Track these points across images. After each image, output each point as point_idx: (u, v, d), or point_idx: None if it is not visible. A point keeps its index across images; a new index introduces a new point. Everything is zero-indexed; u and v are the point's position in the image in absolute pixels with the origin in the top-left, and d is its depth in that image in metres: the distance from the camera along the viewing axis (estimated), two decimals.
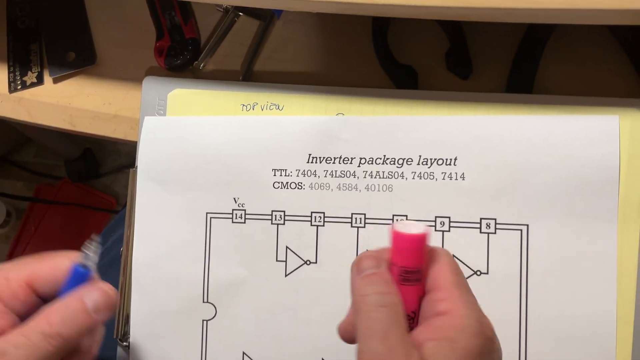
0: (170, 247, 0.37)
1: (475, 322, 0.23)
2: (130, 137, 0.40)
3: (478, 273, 0.33)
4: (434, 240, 0.33)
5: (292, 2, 0.29)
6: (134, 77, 0.40)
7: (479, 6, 0.27)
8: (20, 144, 1.14)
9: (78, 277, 0.26)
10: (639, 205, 0.31)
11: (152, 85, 0.37)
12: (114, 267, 0.48)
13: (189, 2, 0.40)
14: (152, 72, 0.39)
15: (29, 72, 0.43)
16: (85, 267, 0.26)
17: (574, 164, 0.31)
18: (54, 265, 0.26)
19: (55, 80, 0.42)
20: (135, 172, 0.37)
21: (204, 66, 0.40)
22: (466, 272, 0.33)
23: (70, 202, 1.05)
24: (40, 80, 0.43)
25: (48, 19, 0.44)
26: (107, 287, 0.26)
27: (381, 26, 0.37)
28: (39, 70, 0.43)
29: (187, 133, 0.37)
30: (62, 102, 0.41)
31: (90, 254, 0.26)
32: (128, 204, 0.38)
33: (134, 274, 0.38)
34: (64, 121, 0.41)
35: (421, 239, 0.24)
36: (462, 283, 0.24)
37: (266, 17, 0.39)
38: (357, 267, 0.25)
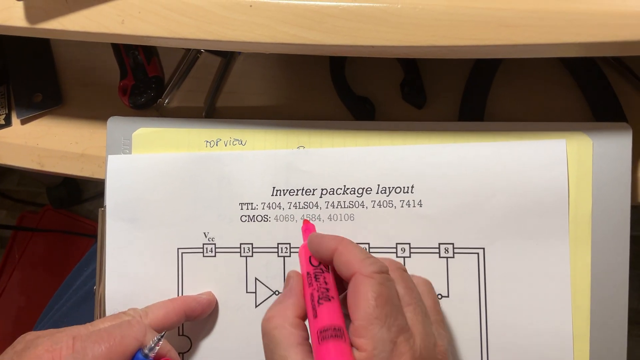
0: (143, 283, 0.38)
1: None
2: (97, 175, 0.40)
3: (439, 296, 0.34)
4: None
5: (245, 45, 0.30)
6: (99, 116, 0.41)
7: (421, 45, 0.28)
8: (2, 173, 1.14)
9: None
10: (589, 225, 0.32)
11: (116, 126, 0.38)
12: (88, 301, 0.48)
13: None
14: (117, 110, 0.40)
15: None
16: (146, 356, 0.30)
17: (525, 187, 0.33)
18: (127, 350, 0.30)
19: (23, 122, 0.43)
20: (104, 212, 0.38)
21: (168, 103, 0.41)
22: None
23: (53, 229, 1.05)
24: (8, 122, 0.43)
25: (15, 61, 0.45)
26: None
27: (338, 60, 0.38)
28: (7, 112, 0.44)
29: (153, 170, 0.37)
30: (30, 143, 0.42)
31: (154, 345, 0.30)
32: (98, 242, 0.38)
33: (107, 310, 0.38)
34: (32, 162, 0.42)
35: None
36: (379, 317, 0.25)
37: (227, 54, 0.40)
38: None
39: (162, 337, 0.31)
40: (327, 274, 0.30)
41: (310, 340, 0.27)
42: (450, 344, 0.29)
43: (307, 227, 0.34)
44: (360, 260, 0.28)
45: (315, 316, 0.27)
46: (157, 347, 0.31)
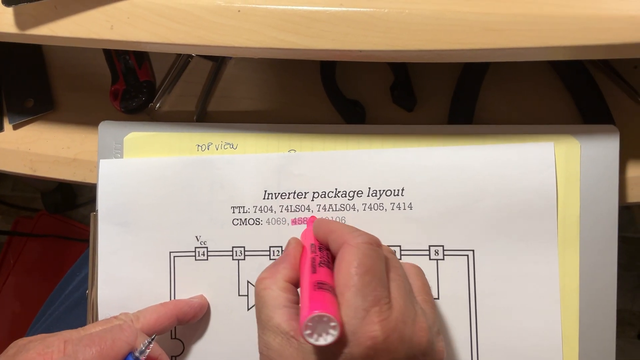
0: (135, 287, 0.38)
1: (351, 334, 0.25)
2: (89, 180, 0.40)
3: None
4: None
5: (234, 50, 0.31)
6: (91, 120, 0.41)
7: (408, 49, 0.29)
8: None
9: None
10: (578, 226, 0.33)
11: (108, 130, 0.38)
12: (81, 306, 0.48)
13: None
14: (108, 115, 0.40)
15: None
16: (137, 359, 0.30)
17: (514, 190, 0.33)
18: (118, 354, 0.30)
19: (15, 127, 0.43)
20: (96, 217, 0.38)
21: (159, 107, 0.41)
22: None
23: (48, 233, 1.05)
24: (0, 128, 0.43)
25: (7, 67, 0.45)
26: None
27: (329, 64, 0.38)
28: None
29: (145, 174, 0.38)
30: (22, 148, 0.42)
31: (144, 348, 0.31)
32: (91, 247, 0.38)
33: (100, 315, 0.38)
34: (24, 167, 0.42)
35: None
36: (356, 284, 0.26)
37: (218, 58, 0.40)
38: None
39: (152, 340, 0.31)
40: (330, 253, 0.31)
41: (300, 300, 0.28)
42: (440, 327, 0.29)
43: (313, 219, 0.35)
44: (349, 232, 0.29)
45: (314, 272, 0.28)
46: (148, 350, 0.31)
